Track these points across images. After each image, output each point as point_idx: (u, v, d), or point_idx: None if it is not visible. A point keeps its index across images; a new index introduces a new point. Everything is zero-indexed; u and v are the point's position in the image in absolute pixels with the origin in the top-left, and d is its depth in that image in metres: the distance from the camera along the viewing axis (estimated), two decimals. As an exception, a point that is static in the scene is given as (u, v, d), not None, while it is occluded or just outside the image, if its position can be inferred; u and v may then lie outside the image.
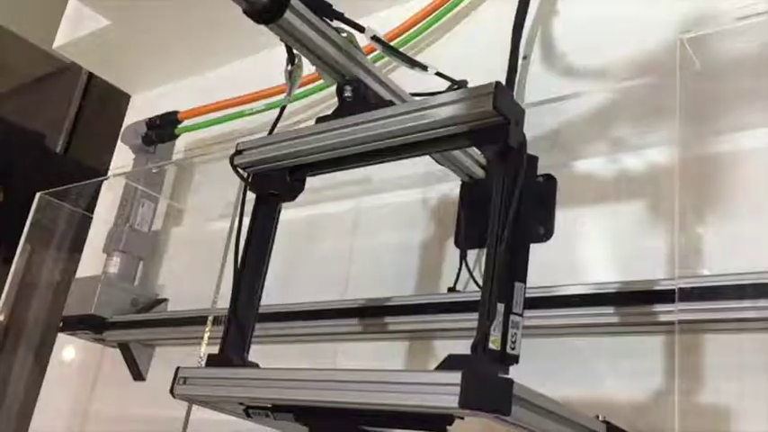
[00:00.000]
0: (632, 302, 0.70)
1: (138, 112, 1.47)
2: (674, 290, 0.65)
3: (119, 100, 1.58)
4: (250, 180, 0.73)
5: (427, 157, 0.79)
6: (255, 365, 0.67)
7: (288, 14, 0.64)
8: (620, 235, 0.79)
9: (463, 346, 0.54)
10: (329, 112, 0.71)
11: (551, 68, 0.92)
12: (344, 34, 0.71)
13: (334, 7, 0.69)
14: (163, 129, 1.28)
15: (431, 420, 0.55)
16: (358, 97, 0.71)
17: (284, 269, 0.95)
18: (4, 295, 1.33)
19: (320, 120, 0.70)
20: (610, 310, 0.71)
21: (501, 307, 0.55)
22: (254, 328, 0.70)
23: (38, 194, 1.36)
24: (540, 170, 0.76)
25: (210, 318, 0.96)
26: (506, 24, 0.91)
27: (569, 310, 0.73)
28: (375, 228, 1.01)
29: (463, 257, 0.87)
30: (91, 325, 1.14)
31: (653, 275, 0.71)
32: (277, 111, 0.77)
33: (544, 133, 0.88)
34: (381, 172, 1.01)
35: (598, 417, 0.63)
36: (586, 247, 0.81)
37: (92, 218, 1.44)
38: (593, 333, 0.75)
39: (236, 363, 0.66)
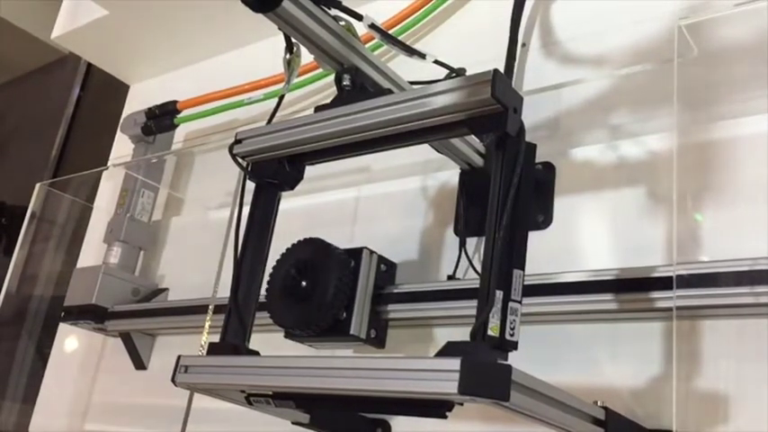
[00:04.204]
0: (630, 289, 0.70)
1: (137, 102, 1.47)
2: (671, 276, 0.66)
3: (118, 90, 1.58)
4: (249, 169, 0.73)
5: (426, 145, 0.79)
6: (256, 353, 0.68)
7: (285, 3, 0.64)
8: (618, 222, 0.79)
9: (462, 334, 0.54)
10: (328, 100, 0.71)
11: (550, 56, 0.92)
12: (343, 23, 0.71)
13: (331, -5, 0.69)
14: (162, 118, 1.28)
15: (430, 407, 0.56)
16: (356, 86, 0.71)
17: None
18: (5, 286, 1.34)
19: (319, 108, 0.70)
20: (608, 296, 0.71)
21: (500, 294, 0.55)
22: (254, 317, 0.70)
23: (38, 185, 1.36)
24: (539, 158, 0.77)
25: (211, 306, 0.96)
26: (505, 12, 0.91)
27: (568, 297, 0.73)
28: (374, 216, 1.01)
29: (462, 245, 0.88)
30: (92, 315, 1.14)
31: (651, 262, 0.71)
32: (276, 100, 0.77)
33: (543, 121, 0.88)
34: (380, 160, 1.02)
35: (597, 402, 0.63)
36: (585, 235, 0.81)
37: (92, 208, 1.45)
38: (592, 320, 0.75)
39: (236, 351, 0.67)
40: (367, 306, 0.84)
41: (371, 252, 0.87)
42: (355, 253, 0.85)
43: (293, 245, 0.85)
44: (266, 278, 0.80)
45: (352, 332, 0.82)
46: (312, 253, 0.83)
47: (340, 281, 0.81)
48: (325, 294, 0.80)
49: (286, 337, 0.84)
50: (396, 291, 0.87)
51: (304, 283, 0.81)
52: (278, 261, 0.84)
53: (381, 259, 0.88)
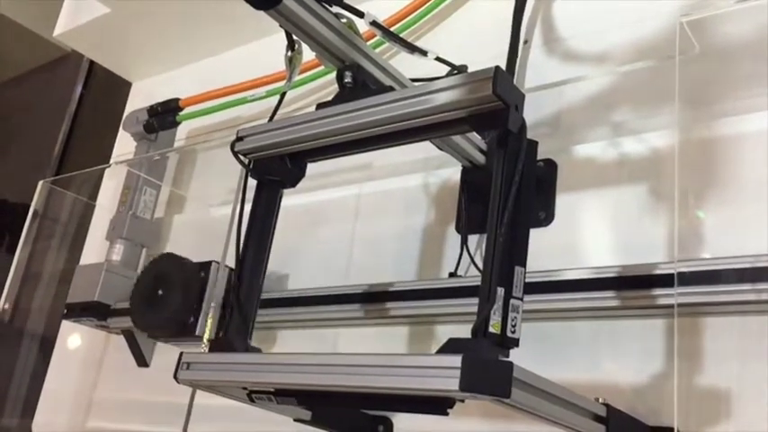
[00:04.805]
0: (632, 286, 0.70)
1: (139, 99, 1.48)
2: (673, 273, 0.66)
3: (120, 88, 1.58)
4: (251, 166, 0.73)
5: (428, 142, 0.79)
6: (258, 350, 0.68)
7: (287, 0, 0.64)
8: (620, 219, 0.79)
9: (464, 331, 0.54)
10: (330, 98, 0.71)
11: (552, 53, 0.92)
12: (344, 20, 0.71)
13: (332, -8, 0.69)
14: (164, 116, 1.28)
15: (432, 403, 0.56)
16: (358, 83, 0.71)
17: (286, 255, 0.95)
18: (8, 284, 1.34)
19: (320, 106, 0.70)
20: (610, 293, 0.71)
21: (501, 291, 0.55)
22: (256, 314, 0.70)
23: (40, 182, 1.36)
24: (541, 155, 0.77)
25: (213, 304, 0.96)
26: (507, 9, 0.91)
27: (569, 294, 0.73)
28: (376, 213, 1.01)
29: (464, 242, 0.88)
30: (94, 312, 1.14)
31: (653, 259, 0.71)
32: (277, 97, 0.77)
33: (544, 118, 0.88)
34: (382, 158, 1.02)
35: (598, 399, 0.64)
36: (586, 232, 0.81)
37: (94, 206, 1.45)
38: (594, 317, 0.75)
39: (238, 348, 0.67)
40: (216, 311, 0.98)
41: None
42: (206, 266, 1.00)
43: (154, 259, 1.03)
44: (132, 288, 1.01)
45: (197, 333, 0.96)
46: (168, 267, 1.01)
47: (187, 290, 0.97)
48: (174, 302, 0.97)
49: (149, 337, 1.04)
50: None
51: (160, 293, 0.99)
52: (141, 273, 1.04)
53: (232, 271, 0.96)
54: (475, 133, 0.82)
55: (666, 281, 0.67)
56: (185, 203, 1.32)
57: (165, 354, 1.17)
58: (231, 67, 1.32)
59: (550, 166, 0.85)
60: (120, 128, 1.41)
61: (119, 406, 1.21)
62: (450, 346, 0.52)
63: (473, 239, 0.88)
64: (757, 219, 0.69)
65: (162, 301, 0.98)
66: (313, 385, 0.58)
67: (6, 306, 1.34)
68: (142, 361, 1.17)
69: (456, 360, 0.49)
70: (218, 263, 1.00)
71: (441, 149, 0.84)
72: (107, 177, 1.44)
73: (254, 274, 0.71)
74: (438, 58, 0.85)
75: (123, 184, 1.27)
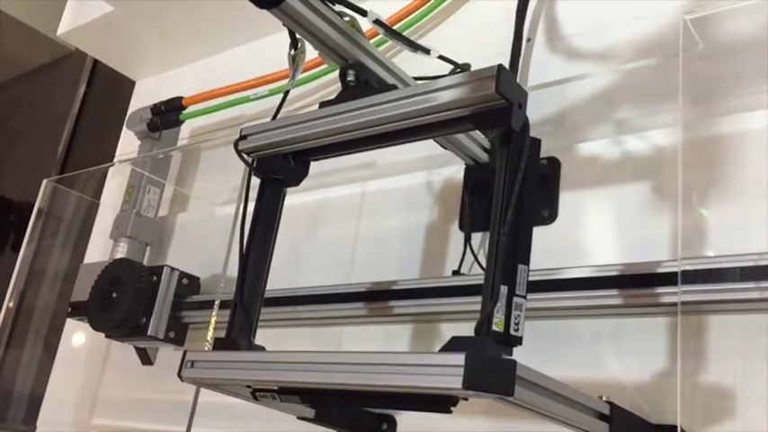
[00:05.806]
0: (636, 284, 0.70)
1: (142, 98, 1.48)
2: (677, 272, 0.66)
3: (123, 86, 1.58)
4: (254, 165, 0.74)
5: (431, 140, 0.79)
6: (262, 348, 0.68)
7: (290, -1, 0.64)
8: (623, 217, 0.79)
9: (467, 329, 0.54)
10: (332, 96, 0.71)
11: (555, 51, 0.92)
12: (347, 18, 0.71)
13: (335, -9, 0.69)
14: (168, 114, 1.28)
15: (435, 402, 0.56)
16: (361, 81, 0.71)
17: (290, 253, 0.95)
18: (12, 282, 1.34)
19: (323, 104, 0.70)
20: (613, 292, 0.71)
21: (504, 289, 0.55)
22: (260, 312, 0.70)
23: (44, 181, 1.36)
24: (544, 153, 0.77)
25: (217, 302, 0.97)
26: (509, 7, 0.91)
27: (573, 293, 0.73)
28: (380, 212, 1.01)
29: (467, 240, 0.88)
30: (99, 310, 1.15)
31: (656, 257, 0.71)
32: (281, 96, 0.77)
33: (547, 116, 0.88)
34: (386, 156, 1.02)
35: (602, 397, 0.63)
36: (590, 230, 0.81)
37: (98, 204, 1.45)
38: (597, 315, 0.75)
39: (242, 346, 0.67)
40: (166, 312, 1.05)
41: (172, 269, 1.08)
42: (158, 270, 1.06)
43: (108, 264, 1.09)
44: (89, 290, 1.06)
45: (149, 333, 1.03)
46: (122, 270, 1.06)
47: (138, 293, 1.03)
48: (125, 304, 1.03)
49: (107, 337, 1.08)
50: (195, 299, 1.07)
51: (114, 295, 1.04)
52: (98, 276, 1.07)
53: (183, 274, 1.09)
54: (478, 131, 0.82)
55: (670, 279, 0.67)
56: (189, 202, 1.33)
57: (168, 352, 1.17)
58: (234, 66, 1.32)
59: (553, 164, 0.85)
60: (124, 126, 1.41)
61: (123, 404, 1.21)
62: (454, 345, 0.52)
63: (476, 237, 0.88)
64: (761, 216, 0.69)
65: (115, 303, 1.04)
66: (316, 383, 0.58)
67: (11, 304, 1.35)
68: (146, 359, 1.18)
69: (459, 358, 0.49)
70: (170, 267, 1.06)
71: (444, 148, 0.84)
72: (111, 176, 1.45)
73: (258, 273, 0.71)
74: (441, 57, 0.85)
75: (127, 183, 1.27)
